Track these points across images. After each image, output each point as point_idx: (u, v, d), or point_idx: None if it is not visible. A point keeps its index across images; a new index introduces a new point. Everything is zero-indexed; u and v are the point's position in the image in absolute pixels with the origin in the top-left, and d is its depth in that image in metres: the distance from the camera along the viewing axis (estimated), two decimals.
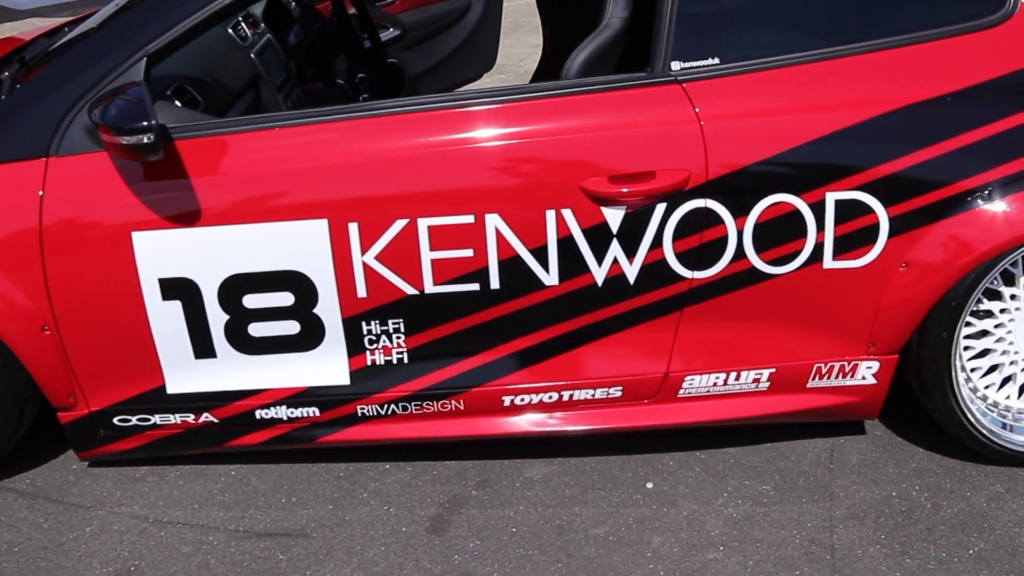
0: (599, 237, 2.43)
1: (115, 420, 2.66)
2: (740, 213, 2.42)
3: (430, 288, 2.47)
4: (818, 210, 2.40)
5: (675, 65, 2.42)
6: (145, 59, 2.43)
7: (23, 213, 2.42)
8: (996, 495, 2.56)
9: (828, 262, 2.46)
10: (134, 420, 2.65)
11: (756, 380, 2.62)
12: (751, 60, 2.44)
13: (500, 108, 2.44)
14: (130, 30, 2.49)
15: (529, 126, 2.42)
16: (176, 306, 2.49)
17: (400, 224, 2.41)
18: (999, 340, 2.64)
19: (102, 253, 2.45)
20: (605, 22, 2.61)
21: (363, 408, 2.62)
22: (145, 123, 2.21)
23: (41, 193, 2.41)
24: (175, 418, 2.65)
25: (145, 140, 2.22)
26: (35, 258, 2.44)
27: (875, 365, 2.59)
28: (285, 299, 2.49)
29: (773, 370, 2.60)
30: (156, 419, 2.65)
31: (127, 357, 2.58)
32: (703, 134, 2.39)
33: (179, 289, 2.47)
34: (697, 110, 2.39)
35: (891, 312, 2.51)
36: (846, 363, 2.59)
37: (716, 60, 2.43)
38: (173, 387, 2.60)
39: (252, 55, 3.42)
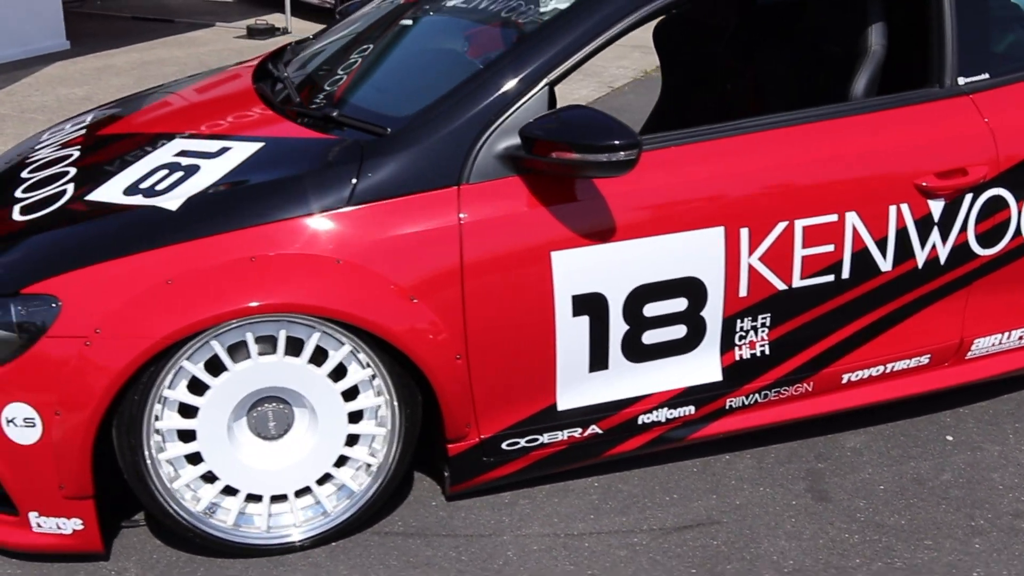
0: (925, 226, 2.87)
1: (503, 445, 2.74)
2: (1021, 197, 2.97)
3: (796, 283, 2.80)
4: None
5: (960, 80, 2.95)
6: (548, 86, 2.61)
7: (443, 240, 2.51)
8: None
9: None
10: (522, 442, 2.75)
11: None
12: (1013, 73, 3.02)
13: (841, 121, 2.84)
14: (531, 56, 2.62)
15: (868, 136, 2.85)
16: (583, 321, 2.66)
17: (781, 226, 2.73)
18: None
19: (520, 274, 2.57)
20: (872, 49, 3.09)
21: (731, 401, 2.88)
22: (629, 139, 2.41)
23: (461, 218, 2.53)
24: (563, 434, 2.77)
25: (623, 156, 2.43)
26: (455, 283, 2.54)
27: None
28: (679, 305, 2.72)
29: None
30: (544, 438, 2.76)
31: (525, 378, 2.69)
32: (993, 135, 2.92)
33: (589, 304, 2.64)
34: (986, 119, 2.92)
35: None
36: None
37: (986, 75, 2.99)
38: (564, 403, 2.74)
39: None
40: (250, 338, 2.46)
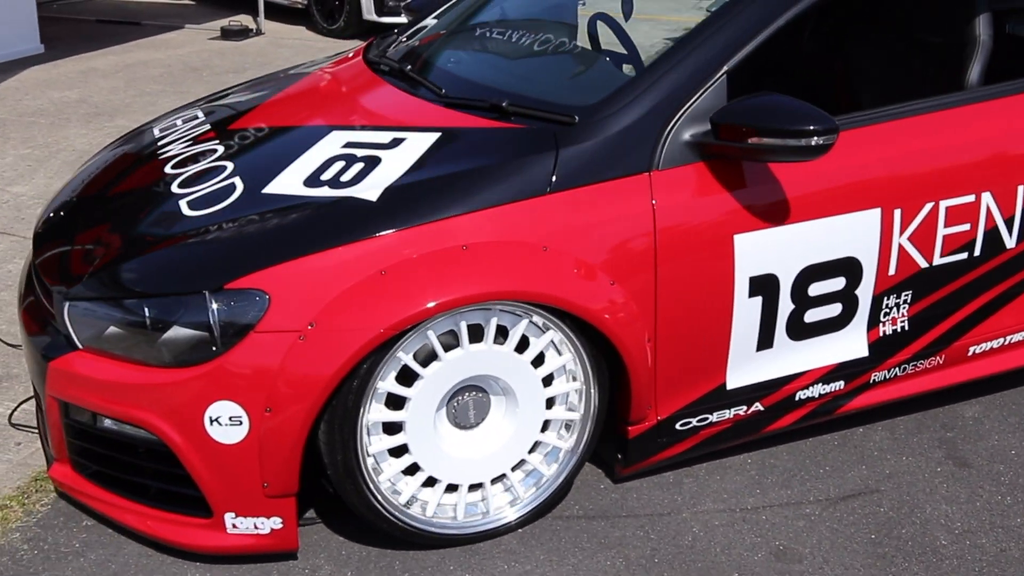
0: None
1: (677, 425, 2.82)
2: None
3: (936, 261, 2.95)
4: None
5: None
6: (726, 75, 2.69)
7: (638, 226, 2.59)
8: None
9: None
10: (693, 422, 2.84)
11: None
12: None
13: (974, 107, 3.00)
14: (711, 44, 2.70)
15: (1001, 120, 3.00)
16: (757, 302, 2.76)
17: (928, 207, 2.88)
18: None
19: (706, 258, 2.66)
20: (981, 39, 3.24)
21: (875, 375, 3.01)
22: (828, 125, 2.50)
23: (654, 204, 2.60)
24: (729, 413, 2.87)
25: (821, 141, 2.53)
26: (649, 267, 2.61)
27: None
28: (838, 284, 2.84)
29: None
30: (713, 417, 2.86)
31: (701, 359, 2.78)
32: None
33: (763, 285, 2.74)
34: None
35: None
36: None
37: None
38: (732, 383, 2.84)
39: None
40: (463, 327, 2.50)
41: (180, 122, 3.36)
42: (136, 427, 2.53)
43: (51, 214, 3.05)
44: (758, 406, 2.90)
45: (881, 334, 2.98)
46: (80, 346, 2.58)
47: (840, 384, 2.99)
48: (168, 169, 2.95)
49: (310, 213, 2.56)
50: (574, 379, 2.66)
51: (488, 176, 2.57)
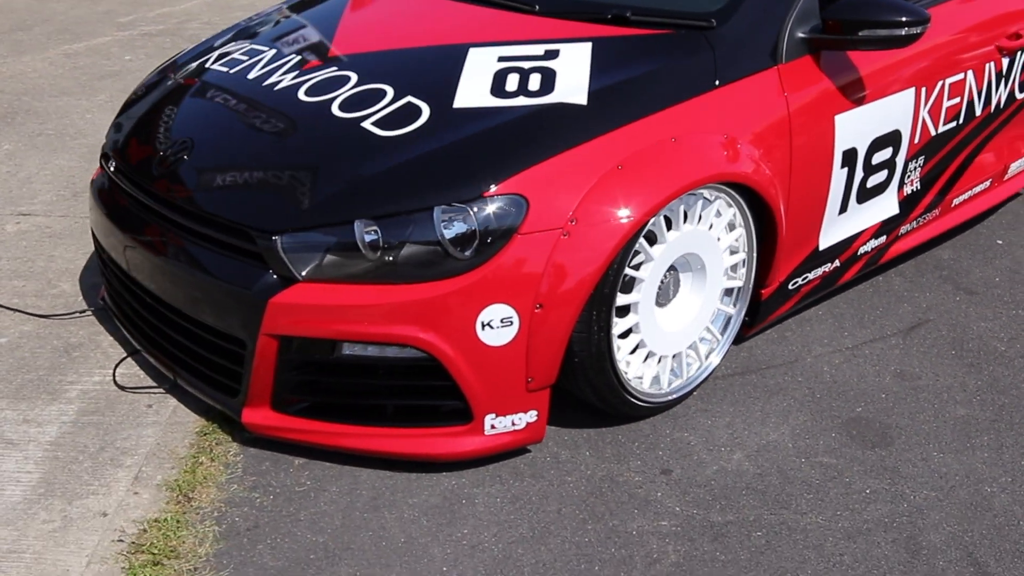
0: (998, 78, 3.77)
1: (789, 286, 3.25)
2: None
3: (940, 128, 3.57)
4: None
5: None
6: None
7: (778, 112, 2.97)
8: None
9: None
10: (799, 281, 3.27)
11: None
12: None
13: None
14: None
15: (982, 10, 3.66)
16: (844, 172, 3.23)
17: (939, 85, 3.48)
18: None
19: (819, 135, 3.09)
20: None
21: (903, 228, 3.60)
22: (920, 16, 2.98)
23: (785, 93, 2.98)
24: (819, 270, 3.33)
25: (916, 31, 3.00)
26: (786, 147, 3.00)
27: None
28: (888, 153, 3.38)
29: None
30: (810, 275, 3.31)
31: (808, 224, 3.22)
32: None
33: (849, 157, 3.22)
34: None
35: None
36: None
37: None
38: (823, 244, 3.30)
39: None
40: (680, 210, 2.75)
41: (249, 53, 3.26)
42: (395, 345, 2.56)
43: (173, 158, 2.89)
44: (836, 263, 3.41)
45: (906, 194, 3.58)
46: (300, 278, 2.55)
47: (884, 238, 3.56)
48: (304, 96, 2.90)
49: (530, 120, 2.68)
50: (737, 252, 3.02)
51: (668, 76, 2.84)
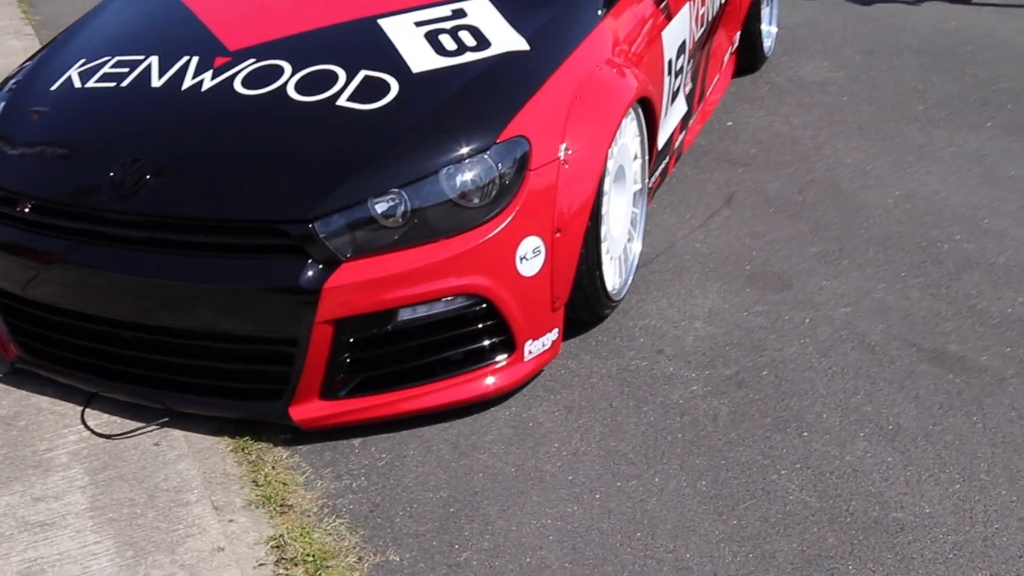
0: None
1: (650, 184, 3.70)
2: None
3: (698, 34, 4.21)
4: None
5: None
6: None
7: (635, 31, 3.45)
8: None
9: None
10: (653, 179, 3.74)
11: None
12: None
13: None
14: None
15: None
16: (668, 79, 3.77)
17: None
18: None
19: (660, 47, 3.62)
20: None
21: (690, 122, 4.21)
22: None
23: (636, 16, 3.46)
24: (660, 167, 3.84)
25: None
26: (644, 59, 3.47)
27: None
28: (682, 59, 3.97)
29: None
30: (656, 173, 3.79)
31: (657, 127, 3.67)
32: None
33: (669, 66, 3.77)
34: None
35: None
36: None
37: None
38: (660, 143, 3.80)
39: None
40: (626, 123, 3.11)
41: (122, 65, 3.09)
42: (443, 300, 2.67)
43: (136, 179, 2.72)
44: (667, 158, 3.95)
45: (687, 92, 4.21)
46: (343, 259, 2.58)
47: (683, 133, 4.17)
48: (246, 90, 2.86)
49: (495, 71, 2.89)
50: (641, 157, 3.43)
51: (571, 12, 3.19)
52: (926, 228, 3.78)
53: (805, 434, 2.75)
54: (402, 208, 2.62)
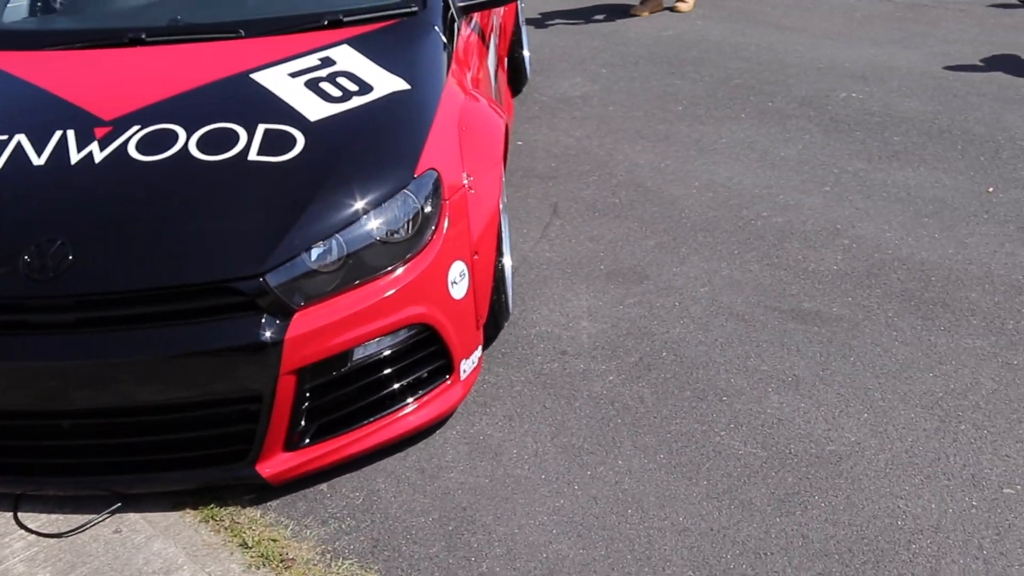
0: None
1: None
2: None
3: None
4: None
5: None
6: None
7: (471, 55, 3.68)
8: None
9: None
10: None
11: None
12: None
13: None
14: None
15: None
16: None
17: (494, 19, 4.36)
18: None
19: (482, 65, 3.78)
20: None
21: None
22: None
23: (464, 42, 3.65)
24: None
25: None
26: (480, 73, 3.66)
27: None
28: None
29: None
30: None
31: None
32: None
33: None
34: None
35: None
36: None
37: None
38: None
39: None
40: None
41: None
42: (389, 334, 2.73)
43: (55, 261, 2.59)
44: None
45: None
46: (296, 308, 2.59)
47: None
48: (142, 156, 2.79)
49: (387, 112, 3.00)
50: None
51: (425, 50, 3.37)
52: (736, 210, 4.27)
53: (724, 398, 3.08)
54: (338, 253, 2.68)
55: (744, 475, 2.75)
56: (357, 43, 3.32)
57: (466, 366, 3.01)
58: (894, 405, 2.99)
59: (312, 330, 2.62)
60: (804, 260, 3.84)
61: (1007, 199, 4.22)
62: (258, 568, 2.52)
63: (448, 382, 2.95)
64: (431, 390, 2.92)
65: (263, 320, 2.58)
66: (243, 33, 3.36)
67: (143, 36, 3.36)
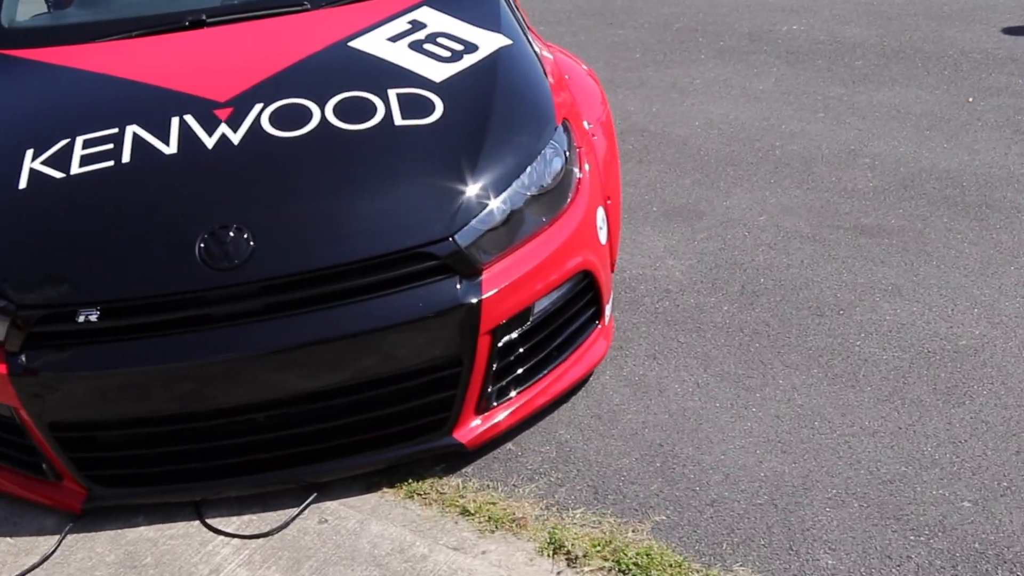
0: None
1: None
2: None
3: None
4: None
5: None
6: None
7: None
8: None
9: None
10: None
11: None
12: None
13: None
14: None
15: None
16: None
17: None
18: None
19: None
20: None
21: None
22: None
23: None
24: None
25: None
26: None
27: None
28: None
29: None
30: None
31: None
32: None
33: None
34: None
35: None
36: None
37: None
38: None
39: None
40: None
41: (105, 141, 2.71)
42: (567, 281, 2.74)
43: (236, 248, 2.48)
44: None
45: None
46: (483, 264, 2.56)
47: None
48: (276, 131, 2.70)
49: (503, 66, 2.96)
50: None
51: (501, 6, 3.32)
52: (748, 143, 4.43)
53: (841, 312, 3.23)
54: (508, 209, 2.66)
55: (899, 377, 2.92)
56: (433, 3, 3.26)
57: (607, 311, 3.05)
58: (996, 298, 3.23)
59: (503, 288, 2.59)
60: (839, 181, 4.04)
61: (990, 106, 4.57)
62: (492, 532, 2.49)
63: (598, 327, 2.98)
64: (588, 336, 2.95)
65: (461, 283, 2.54)
66: (307, 5, 3.24)
67: (204, 18, 3.19)
